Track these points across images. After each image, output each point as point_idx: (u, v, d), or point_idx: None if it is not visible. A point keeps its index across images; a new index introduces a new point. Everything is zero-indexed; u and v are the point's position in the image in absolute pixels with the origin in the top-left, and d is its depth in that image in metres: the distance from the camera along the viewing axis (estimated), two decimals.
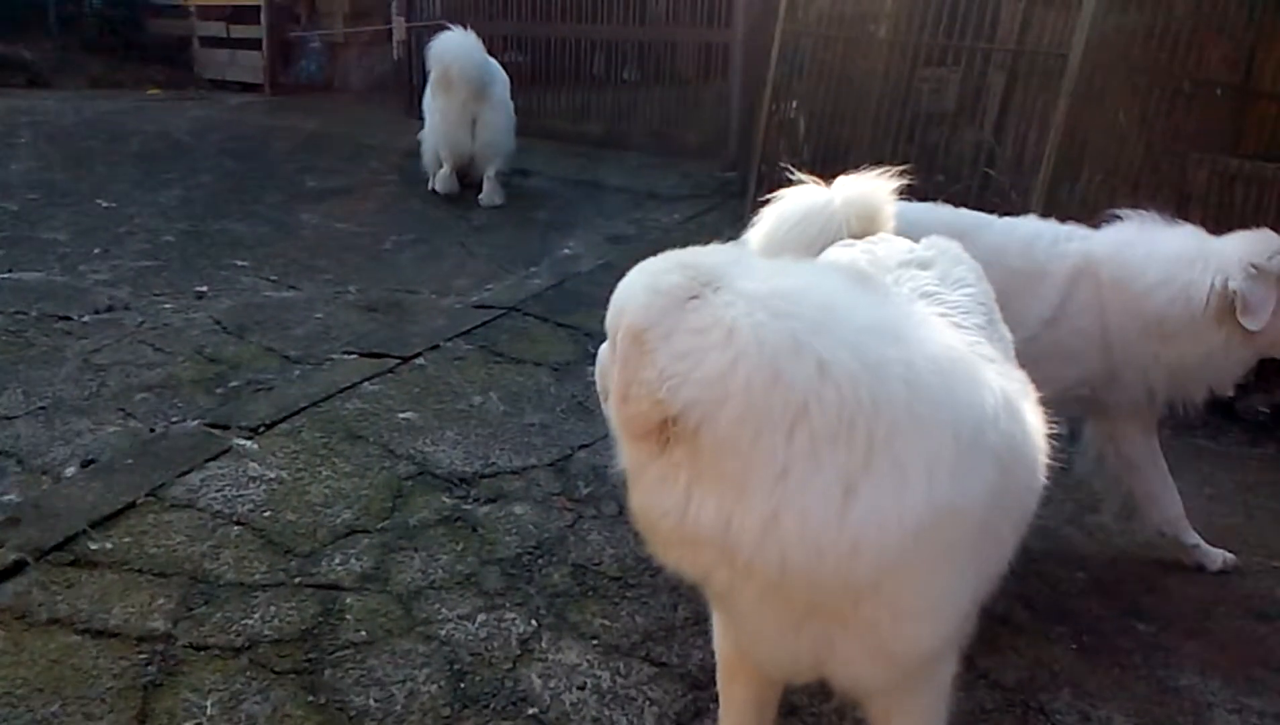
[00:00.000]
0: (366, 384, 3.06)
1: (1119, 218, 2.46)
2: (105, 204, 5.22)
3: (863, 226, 1.91)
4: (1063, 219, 4.08)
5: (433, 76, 5.81)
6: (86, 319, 3.52)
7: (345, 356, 3.33)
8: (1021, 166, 4.41)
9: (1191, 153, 4.14)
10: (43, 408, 2.80)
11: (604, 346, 1.38)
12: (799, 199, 1.97)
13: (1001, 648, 2.14)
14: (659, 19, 8.50)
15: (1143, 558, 2.59)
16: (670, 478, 1.17)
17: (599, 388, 1.45)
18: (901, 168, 2.00)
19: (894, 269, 1.70)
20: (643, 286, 1.24)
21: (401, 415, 2.89)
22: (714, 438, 1.13)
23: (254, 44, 10.25)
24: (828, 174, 2.06)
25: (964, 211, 2.60)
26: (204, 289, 3.96)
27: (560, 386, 3.27)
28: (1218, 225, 4.09)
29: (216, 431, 2.66)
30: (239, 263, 4.35)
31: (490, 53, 7.85)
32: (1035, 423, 1.42)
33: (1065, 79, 3.84)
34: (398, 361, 3.28)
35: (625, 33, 8.31)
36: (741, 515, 1.13)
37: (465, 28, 5.98)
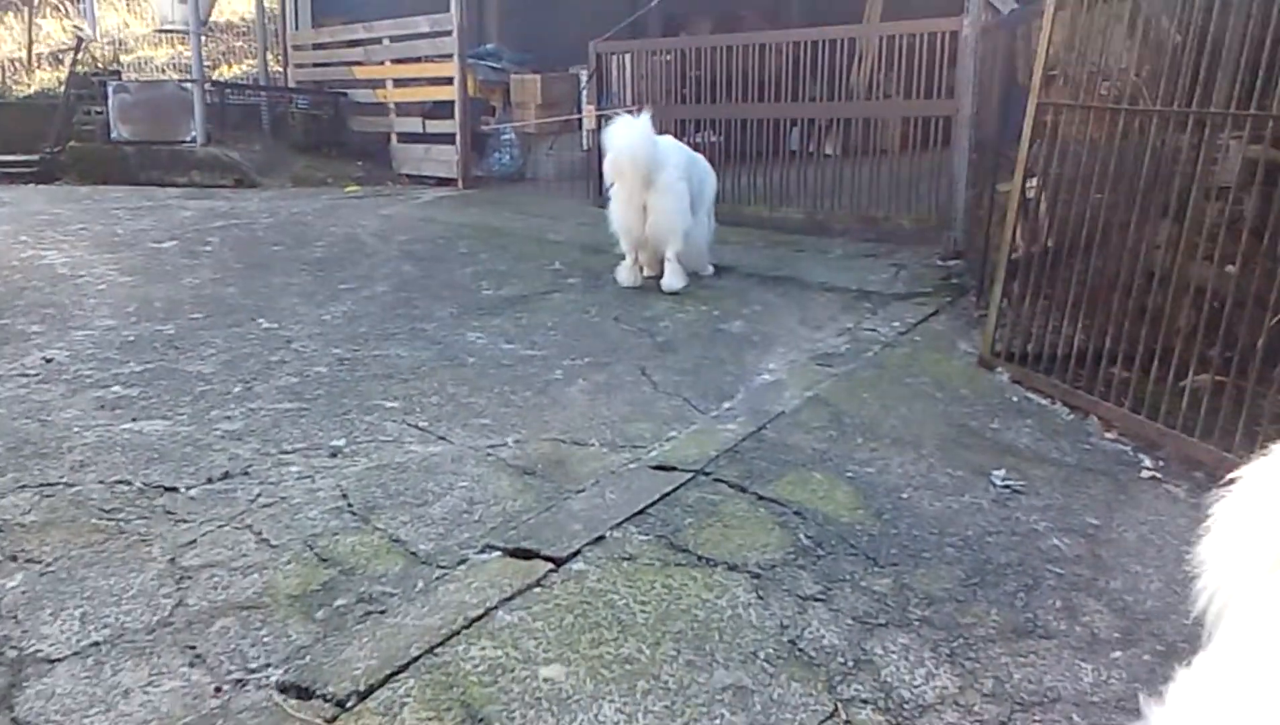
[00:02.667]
0: (503, 611, 2.29)
1: None
2: (267, 324, 4.84)
3: None
4: None
5: (606, 163, 5.64)
6: (194, 492, 2.96)
7: (485, 555, 2.59)
8: None
9: None
10: (97, 644, 2.19)
11: None
12: None
13: None
14: (863, 93, 7.66)
15: None
16: None
17: None
18: None
19: None
20: None
21: (544, 672, 2.08)
22: None
23: (449, 138, 10.14)
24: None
25: None
26: (341, 443, 3.36)
27: (764, 610, 2.38)
28: None
29: (292, 704, 1.95)
30: (388, 403, 3.76)
31: (680, 136, 7.33)
32: None
33: None
34: (549, 567, 2.50)
35: (828, 109, 7.52)
36: None
37: (649, 113, 5.67)
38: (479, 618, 2.26)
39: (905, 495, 3.07)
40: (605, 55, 8.77)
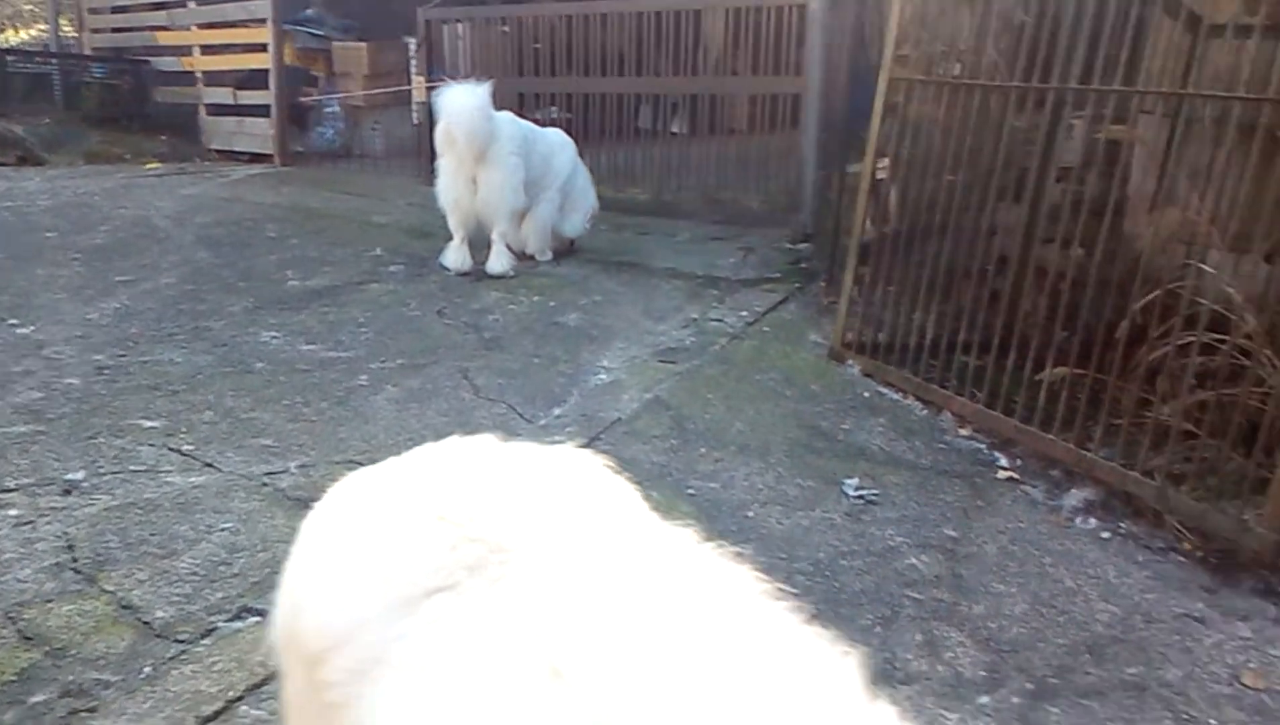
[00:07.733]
0: (248, 703, 1.80)
1: None
2: (18, 326, 4.10)
3: None
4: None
5: (437, 131, 5.22)
6: None
7: (239, 623, 2.08)
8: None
9: None
10: None
11: None
12: None
13: None
14: (713, 69, 7.38)
15: None
16: None
17: None
18: None
19: None
20: None
21: None
22: None
23: (264, 110, 9.27)
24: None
25: None
26: (79, 476, 2.75)
27: None
28: None
29: None
30: (148, 423, 3.15)
31: (522, 111, 6.85)
32: None
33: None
34: None
35: (675, 85, 7.18)
36: None
37: (490, 83, 5.22)
38: (216, 715, 1.76)
39: (751, 513, 2.72)
40: (436, 23, 8.15)
